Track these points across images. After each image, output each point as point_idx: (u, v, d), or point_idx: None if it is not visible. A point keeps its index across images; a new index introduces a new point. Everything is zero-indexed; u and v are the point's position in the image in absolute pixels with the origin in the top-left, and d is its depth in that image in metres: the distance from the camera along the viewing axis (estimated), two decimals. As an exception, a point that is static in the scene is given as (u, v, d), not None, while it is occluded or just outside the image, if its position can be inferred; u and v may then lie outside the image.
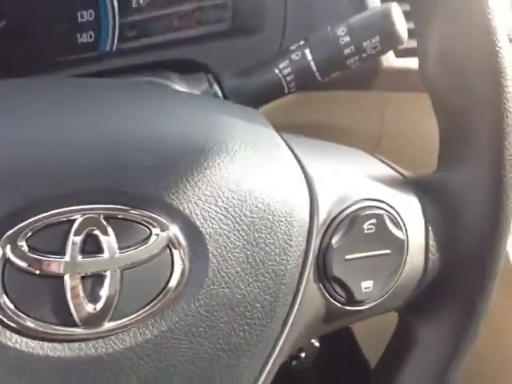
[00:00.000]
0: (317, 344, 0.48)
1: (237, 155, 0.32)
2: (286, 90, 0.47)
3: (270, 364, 0.35)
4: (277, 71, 0.46)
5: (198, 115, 0.34)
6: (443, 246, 0.39)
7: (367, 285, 0.37)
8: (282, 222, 0.33)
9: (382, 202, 0.37)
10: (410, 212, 0.38)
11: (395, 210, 0.37)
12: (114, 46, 0.48)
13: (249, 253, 0.32)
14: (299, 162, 0.36)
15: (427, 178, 0.41)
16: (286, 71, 0.46)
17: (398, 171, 0.41)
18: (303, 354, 0.48)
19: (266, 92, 0.46)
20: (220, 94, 0.46)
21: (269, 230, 0.32)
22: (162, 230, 0.30)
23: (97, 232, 0.29)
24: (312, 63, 0.45)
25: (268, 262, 0.33)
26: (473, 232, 0.39)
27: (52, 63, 0.46)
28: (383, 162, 0.41)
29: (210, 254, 0.31)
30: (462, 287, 0.40)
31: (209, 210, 0.31)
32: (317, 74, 0.45)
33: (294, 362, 0.48)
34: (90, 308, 0.29)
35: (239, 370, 0.33)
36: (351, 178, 0.37)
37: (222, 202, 0.31)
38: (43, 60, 0.47)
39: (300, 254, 0.34)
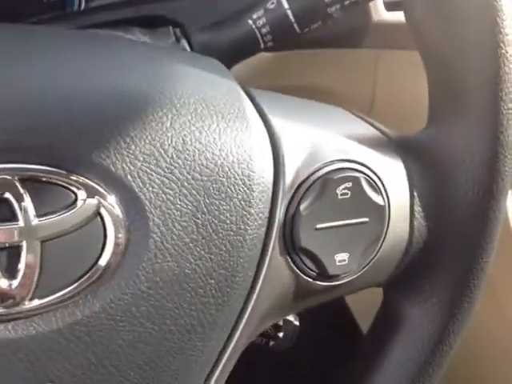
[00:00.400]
0: (296, 323, 0.44)
1: (185, 108, 0.28)
2: (262, 45, 0.42)
3: (230, 347, 0.31)
4: (250, 22, 0.41)
5: (144, 64, 0.30)
6: (431, 213, 0.34)
7: (342, 257, 0.32)
8: (239, 185, 0.28)
9: (359, 163, 0.32)
10: (392, 175, 0.33)
11: (374, 173, 0.32)
12: (83, 5, 0.44)
13: (199, 221, 0.28)
14: (264, 118, 0.32)
15: (413, 137, 0.36)
16: (260, 22, 0.41)
17: (381, 130, 0.36)
18: (281, 334, 0.44)
19: (239, 47, 0.41)
20: (188, 49, 0.42)
21: (223, 195, 0.28)
22: (91, 195, 0.26)
23: (8, 196, 0.25)
24: (289, 12, 0.40)
25: (223, 231, 0.28)
26: (465, 198, 0.35)
27: (19, 23, 0.43)
28: (365, 120, 0.37)
29: (151, 223, 0.26)
30: (453, 260, 0.35)
31: (148, 170, 0.26)
32: (295, 25, 0.41)
33: (271, 343, 0.45)
34: (4, 284, 0.25)
35: (193, 355, 0.29)
36: (324, 137, 0.32)
37: (165, 161, 0.27)
38: (9, 20, 0.44)
39: (262, 222, 0.30)
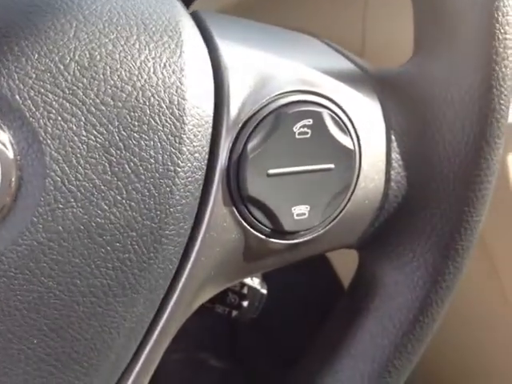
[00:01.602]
0: (264, 291, 0.39)
1: (95, 15, 0.22)
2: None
3: (164, 317, 0.26)
4: None
5: None
6: (411, 161, 0.28)
7: (301, 210, 0.26)
8: (165, 115, 0.22)
9: (323, 96, 0.26)
10: (365, 114, 0.28)
11: (342, 110, 0.27)
12: None
13: (113, 159, 0.22)
14: (210, 42, 0.26)
15: (394, 71, 0.30)
16: None
17: (355, 63, 0.29)
18: (246, 303, 0.39)
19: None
20: None
21: (145, 127, 0.22)
22: None
23: None
24: None
25: (145, 173, 0.22)
26: (452, 143, 0.29)
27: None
28: (338, 51, 0.31)
29: (48, 158, 0.21)
30: (437, 218, 0.29)
31: (43, 90, 0.20)
32: None
33: (234, 313, 0.39)
34: None
35: (113, 322, 0.24)
36: (282, 66, 0.26)
37: (66, 80, 0.21)
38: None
39: (199, 164, 0.24)
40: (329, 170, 0.27)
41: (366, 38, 0.52)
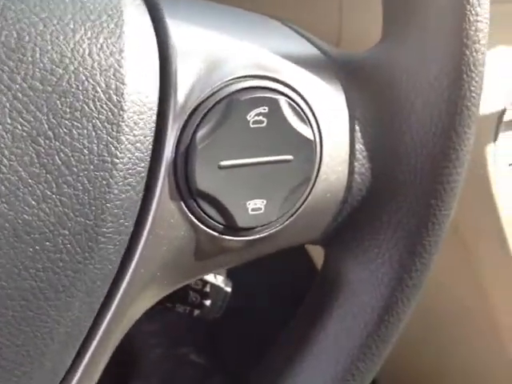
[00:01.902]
0: (228, 289, 0.38)
1: None
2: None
3: (105, 322, 0.23)
4: None
5: None
6: (376, 153, 0.26)
7: (256, 205, 0.24)
8: (101, 101, 0.20)
9: (281, 82, 0.24)
10: (326, 102, 0.26)
11: (302, 97, 0.24)
12: None
13: (41, 149, 0.20)
14: (159, 22, 0.24)
15: (359, 56, 0.27)
16: None
17: (319, 47, 0.27)
18: (208, 302, 0.37)
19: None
20: None
21: (78, 114, 0.20)
22: None
23: None
24: None
25: (78, 164, 0.20)
26: (420, 133, 0.28)
27: None
28: (300, 33, 0.29)
29: None
30: (403, 212, 0.27)
31: None
32: None
33: (196, 312, 0.38)
34: None
35: (46, 327, 0.22)
36: (236, 48, 0.24)
37: None
38: None
39: (141, 155, 0.22)
40: (287, 161, 0.25)
41: (343, 27, 0.50)
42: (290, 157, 0.25)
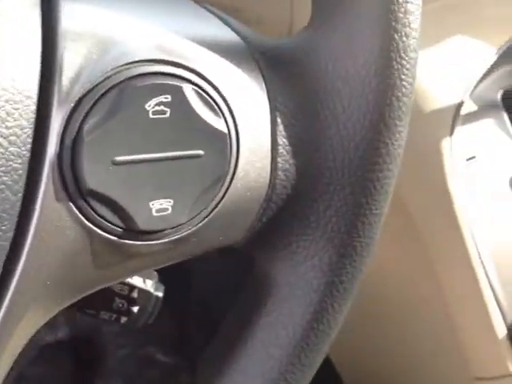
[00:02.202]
0: (159, 294, 0.35)
1: None
2: None
3: None
4: None
5: None
6: (301, 147, 0.24)
7: (162, 205, 0.22)
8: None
9: (186, 68, 0.21)
10: (243, 91, 0.23)
11: (212, 86, 0.22)
12: None
13: None
14: (48, 2, 0.22)
15: (282, 42, 0.25)
16: None
17: (237, 31, 0.25)
18: (136, 309, 0.35)
19: None
20: None
21: None
22: None
23: None
24: None
25: None
26: (347, 125, 0.26)
27: None
28: (217, 16, 0.26)
29: None
30: (332, 211, 0.25)
31: None
32: None
33: (123, 320, 0.35)
34: None
35: None
36: (133, 29, 0.21)
37: None
38: None
39: (18, 150, 0.19)
40: (197, 156, 0.22)
41: (294, 14, 0.48)
42: (200, 152, 0.22)
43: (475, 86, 0.50)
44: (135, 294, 0.33)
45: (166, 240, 0.23)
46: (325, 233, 0.25)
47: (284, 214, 0.25)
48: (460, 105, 0.49)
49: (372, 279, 0.56)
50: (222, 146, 0.22)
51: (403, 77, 0.24)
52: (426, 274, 0.50)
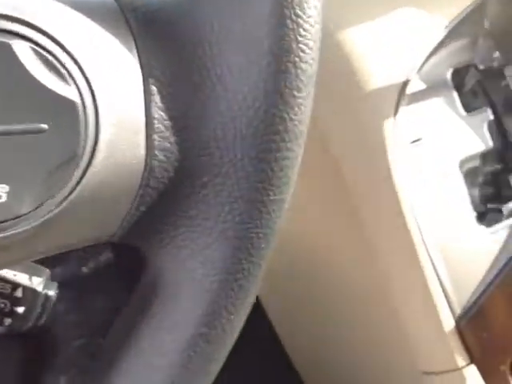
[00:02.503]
0: (50, 292, 0.31)
1: None
2: None
3: None
4: None
5: None
6: (183, 122, 0.20)
7: (-5, 192, 0.19)
8: None
9: (23, 23, 0.17)
10: (106, 56, 0.19)
11: (61, 46, 0.18)
12: None
13: None
14: None
15: (159, 1, 0.22)
16: None
17: None
18: (21, 309, 0.31)
19: None
20: None
21: None
22: None
23: None
24: None
25: None
26: (238, 96, 0.21)
27: None
28: None
29: None
30: (222, 199, 0.21)
31: None
32: None
33: (7, 321, 0.31)
34: None
35: None
36: None
37: None
38: None
39: None
40: (38, 131, 0.19)
41: None
42: (42, 125, 0.18)
43: (423, 63, 0.47)
44: (19, 293, 0.29)
45: (8, 234, 0.19)
46: (216, 223, 0.22)
47: (166, 201, 0.22)
48: (406, 83, 0.45)
49: (319, 266, 0.53)
50: (71, 119, 0.18)
51: (300, 38, 0.20)
52: (370, 263, 0.47)
